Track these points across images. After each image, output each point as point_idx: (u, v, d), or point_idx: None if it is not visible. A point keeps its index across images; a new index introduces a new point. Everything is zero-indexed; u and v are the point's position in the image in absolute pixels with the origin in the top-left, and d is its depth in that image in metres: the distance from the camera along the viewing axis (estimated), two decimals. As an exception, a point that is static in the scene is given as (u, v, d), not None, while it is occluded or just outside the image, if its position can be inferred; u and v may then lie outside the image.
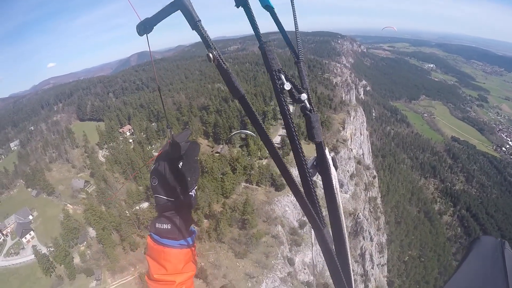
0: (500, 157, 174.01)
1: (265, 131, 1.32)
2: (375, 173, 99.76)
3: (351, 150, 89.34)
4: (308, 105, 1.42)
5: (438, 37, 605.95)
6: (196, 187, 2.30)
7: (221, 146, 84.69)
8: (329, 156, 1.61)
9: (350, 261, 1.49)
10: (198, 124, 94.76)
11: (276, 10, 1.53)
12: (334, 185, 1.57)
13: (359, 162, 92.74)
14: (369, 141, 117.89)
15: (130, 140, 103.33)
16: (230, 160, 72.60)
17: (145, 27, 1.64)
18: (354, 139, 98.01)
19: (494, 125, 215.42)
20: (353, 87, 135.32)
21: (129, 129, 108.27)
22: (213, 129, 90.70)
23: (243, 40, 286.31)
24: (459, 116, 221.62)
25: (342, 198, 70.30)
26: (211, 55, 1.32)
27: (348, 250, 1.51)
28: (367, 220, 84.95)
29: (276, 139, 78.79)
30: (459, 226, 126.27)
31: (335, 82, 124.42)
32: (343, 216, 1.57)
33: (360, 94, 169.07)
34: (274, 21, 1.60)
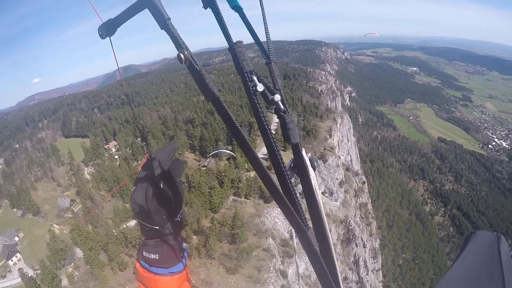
0: (487, 155, 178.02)
1: (242, 135, 1.27)
2: (364, 179, 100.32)
3: (339, 157, 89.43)
4: (282, 106, 1.39)
5: (420, 40, 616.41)
6: (182, 210, 2.09)
7: (208, 159, 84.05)
8: (306, 157, 1.57)
9: (336, 261, 1.46)
10: (184, 138, 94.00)
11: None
12: (313, 186, 1.53)
13: (347, 169, 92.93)
14: (356, 147, 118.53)
15: (116, 157, 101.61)
16: (217, 174, 71.76)
17: (108, 29, 1.54)
18: (341, 146, 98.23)
19: (479, 123, 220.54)
20: (338, 94, 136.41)
21: (115, 145, 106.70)
22: (199, 143, 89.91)
23: (228, 52, 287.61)
24: (444, 117, 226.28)
25: (332, 206, 70.10)
26: (182, 55, 1.26)
27: (333, 250, 1.48)
28: (358, 226, 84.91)
29: (264, 150, 78.56)
30: (451, 226, 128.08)
31: (320, 90, 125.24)
32: (325, 217, 1.55)
33: (345, 101, 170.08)
34: (243, 22, 1.56)
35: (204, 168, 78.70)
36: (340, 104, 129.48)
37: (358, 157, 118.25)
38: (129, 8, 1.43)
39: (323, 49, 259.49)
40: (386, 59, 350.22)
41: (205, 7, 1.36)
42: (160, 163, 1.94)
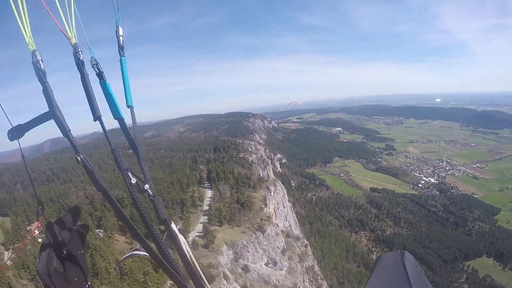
0: (419, 193, 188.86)
1: (128, 220, 1.88)
2: (306, 242, 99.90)
3: (277, 225, 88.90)
4: (151, 193, 1.97)
5: (340, 102, 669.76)
6: (88, 283, 2.14)
7: (136, 251, 78.03)
8: (175, 228, 2.14)
9: None
10: (113, 219, 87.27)
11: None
12: (185, 249, 2.14)
13: (288, 235, 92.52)
14: (293, 212, 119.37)
15: (39, 240, 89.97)
16: (151, 258, 66.88)
17: (17, 133, 1.88)
18: (278, 214, 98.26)
19: (406, 167, 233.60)
20: (269, 162, 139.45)
21: (38, 227, 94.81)
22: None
23: (158, 126, 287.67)
24: (372, 168, 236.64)
25: (278, 276, 69.14)
26: (79, 158, 1.81)
27: None
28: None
29: (198, 228, 76.59)
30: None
31: (251, 160, 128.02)
32: (200, 270, 2.11)
33: (276, 168, 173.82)
34: (122, 130, 2.07)
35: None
36: (271, 172, 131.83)
37: (297, 221, 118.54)
38: (36, 117, 1.85)
39: (251, 120, 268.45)
40: (311, 123, 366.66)
41: (94, 120, 1.89)
42: (61, 230, 2.04)
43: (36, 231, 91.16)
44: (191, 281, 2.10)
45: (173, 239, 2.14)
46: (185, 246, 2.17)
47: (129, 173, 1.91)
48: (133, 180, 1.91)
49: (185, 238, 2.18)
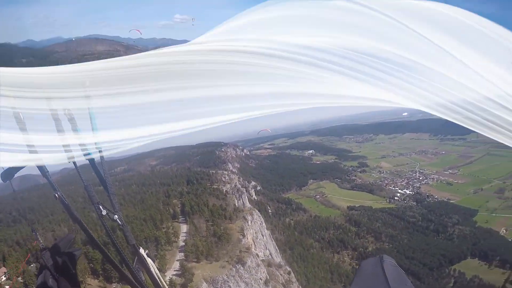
0: (396, 206, 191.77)
1: (108, 254, 2.20)
2: (288, 269, 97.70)
3: (257, 256, 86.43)
4: (119, 222, 2.21)
5: (310, 125, 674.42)
6: None
7: (114, 285, 72.46)
8: (143, 252, 2.38)
9: None
10: (84, 262, 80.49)
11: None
12: (153, 271, 2.37)
13: (269, 264, 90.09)
14: (272, 239, 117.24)
15: (7, 287, 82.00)
16: (124, 281, 61.79)
17: (8, 175, 2.12)
18: (257, 243, 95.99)
19: (380, 182, 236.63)
20: (244, 191, 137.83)
21: (4, 273, 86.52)
22: (102, 266, 75.54)
23: (129, 160, 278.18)
24: (348, 187, 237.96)
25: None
26: (56, 195, 2.08)
27: None
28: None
29: (175, 266, 73.09)
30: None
31: (225, 191, 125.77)
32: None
33: (252, 196, 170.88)
34: (92, 167, 2.26)
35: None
36: (247, 200, 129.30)
37: (277, 248, 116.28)
38: None
39: (223, 149, 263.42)
40: (283, 149, 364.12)
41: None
42: (53, 254, 2.24)
43: (3, 277, 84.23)
44: None
45: (142, 262, 2.36)
46: (153, 268, 2.39)
47: (100, 206, 2.13)
48: (103, 212, 2.13)
49: (153, 261, 2.41)
